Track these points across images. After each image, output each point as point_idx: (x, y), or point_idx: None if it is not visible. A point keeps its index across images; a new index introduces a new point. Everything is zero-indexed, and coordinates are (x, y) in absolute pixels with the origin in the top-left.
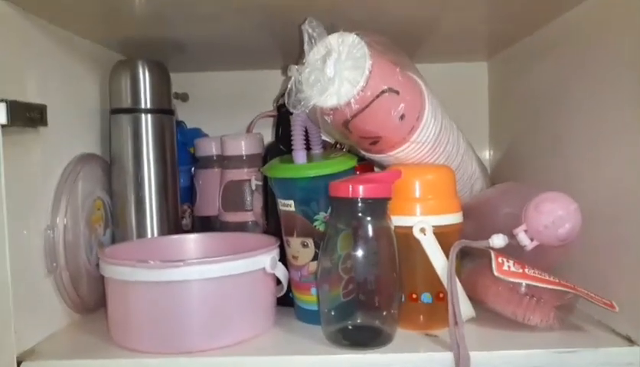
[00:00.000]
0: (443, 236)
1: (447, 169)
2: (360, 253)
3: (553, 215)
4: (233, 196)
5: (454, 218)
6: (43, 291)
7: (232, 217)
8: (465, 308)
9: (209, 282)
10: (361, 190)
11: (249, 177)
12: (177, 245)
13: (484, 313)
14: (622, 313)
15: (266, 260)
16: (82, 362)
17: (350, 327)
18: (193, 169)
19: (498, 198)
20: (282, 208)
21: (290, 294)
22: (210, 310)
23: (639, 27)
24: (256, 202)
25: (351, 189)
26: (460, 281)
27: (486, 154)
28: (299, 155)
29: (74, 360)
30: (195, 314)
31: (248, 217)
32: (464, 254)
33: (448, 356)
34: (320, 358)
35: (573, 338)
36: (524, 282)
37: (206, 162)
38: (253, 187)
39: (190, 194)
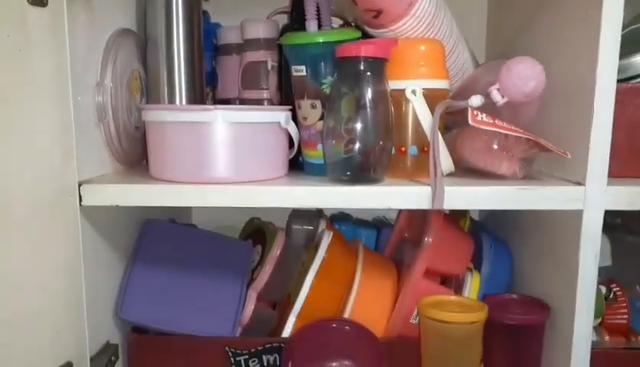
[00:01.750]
0: (431, 99)
1: (438, 42)
2: (360, 112)
3: (520, 74)
4: (251, 75)
5: (441, 84)
6: (95, 139)
7: (250, 95)
8: (445, 162)
9: (234, 125)
10: (363, 50)
11: (266, 58)
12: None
13: (462, 172)
14: (573, 165)
15: (281, 116)
16: (129, 185)
17: (349, 173)
18: (214, 57)
19: (480, 72)
20: (294, 74)
21: (300, 158)
22: (233, 149)
23: None
24: (272, 81)
25: (354, 48)
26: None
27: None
28: (311, 24)
29: (123, 185)
30: (221, 151)
31: (264, 95)
32: (447, 129)
33: (427, 190)
34: (324, 188)
35: (533, 181)
36: (493, 129)
37: (227, 49)
38: (269, 68)
39: (212, 79)
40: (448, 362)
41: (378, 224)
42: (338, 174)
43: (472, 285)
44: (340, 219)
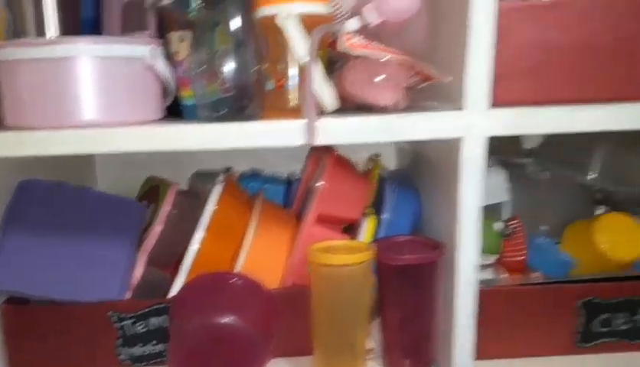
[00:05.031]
0: (309, 26)
1: None
2: (235, 44)
3: None
4: (130, 16)
5: (321, 7)
6: None
7: None
8: (327, 96)
9: (94, 60)
10: None
11: None
12: None
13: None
14: (454, 91)
15: (145, 50)
16: None
17: (223, 110)
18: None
19: None
20: (159, 4)
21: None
22: (95, 87)
23: None
24: (152, 22)
25: None
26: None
27: None
28: None
29: None
30: (82, 89)
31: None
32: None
33: (301, 125)
34: (187, 127)
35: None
36: (367, 52)
37: None
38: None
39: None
40: (338, 308)
41: (291, 179)
42: (210, 112)
43: (367, 229)
44: (250, 176)
